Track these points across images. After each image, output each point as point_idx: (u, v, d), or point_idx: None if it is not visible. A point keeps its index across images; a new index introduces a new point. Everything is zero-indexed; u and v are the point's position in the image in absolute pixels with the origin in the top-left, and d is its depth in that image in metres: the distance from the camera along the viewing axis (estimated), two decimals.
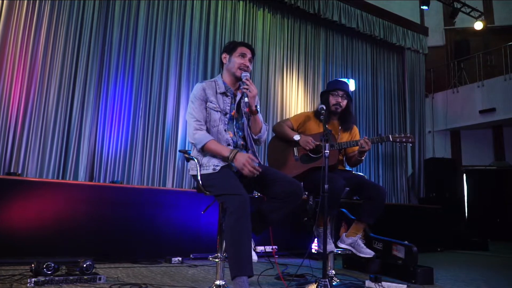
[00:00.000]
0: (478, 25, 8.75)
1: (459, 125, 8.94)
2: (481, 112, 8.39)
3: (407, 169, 8.51)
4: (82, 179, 4.97)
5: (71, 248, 3.42)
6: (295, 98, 7.23)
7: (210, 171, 2.28)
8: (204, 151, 2.33)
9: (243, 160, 2.21)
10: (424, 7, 8.23)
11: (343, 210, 3.50)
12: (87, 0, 5.27)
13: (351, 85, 7.14)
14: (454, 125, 8.97)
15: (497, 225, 8.46)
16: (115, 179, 5.23)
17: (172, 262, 3.72)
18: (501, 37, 8.88)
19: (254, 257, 2.25)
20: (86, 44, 5.21)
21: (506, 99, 8.01)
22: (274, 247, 4.60)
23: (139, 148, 5.51)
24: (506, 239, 7.97)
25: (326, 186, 2.36)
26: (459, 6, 8.73)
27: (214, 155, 2.32)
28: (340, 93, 3.03)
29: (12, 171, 4.58)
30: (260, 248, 4.25)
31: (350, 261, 3.87)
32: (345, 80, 6.56)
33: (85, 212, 3.61)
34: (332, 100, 3.03)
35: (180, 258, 3.77)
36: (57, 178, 4.82)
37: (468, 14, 8.84)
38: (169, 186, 5.65)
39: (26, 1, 4.83)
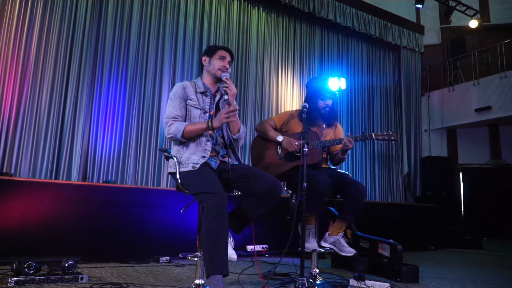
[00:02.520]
0: (473, 23, 8.72)
1: (455, 124, 8.91)
2: (477, 110, 8.36)
3: (403, 168, 8.48)
4: (75, 179, 4.97)
5: (58, 248, 3.42)
6: (290, 97, 7.22)
7: (189, 168, 2.29)
8: (186, 137, 2.34)
9: (219, 118, 2.28)
10: (419, 6, 8.20)
11: (331, 208, 3.50)
12: (80, 0, 5.28)
13: (342, 84, 7.13)
14: (450, 123, 8.94)
15: (494, 223, 8.45)
16: (109, 179, 5.24)
17: (160, 261, 3.73)
18: (497, 35, 8.85)
19: (234, 255, 2.26)
20: (79, 43, 5.21)
21: (502, 97, 7.99)
22: (264, 246, 4.62)
23: (133, 148, 5.51)
24: (502, 237, 7.97)
25: (304, 184, 2.37)
26: (454, 4, 8.70)
27: (194, 151, 2.33)
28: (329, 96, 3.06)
29: (4, 171, 4.58)
30: (250, 247, 4.25)
31: (338, 260, 3.87)
32: (333, 78, 6.54)
33: (73, 212, 3.61)
34: (322, 104, 3.04)
35: (168, 258, 3.78)
36: (50, 178, 4.82)
37: (463, 12, 8.81)
38: (163, 186, 5.65)
39: (18, 1, 4.83)
